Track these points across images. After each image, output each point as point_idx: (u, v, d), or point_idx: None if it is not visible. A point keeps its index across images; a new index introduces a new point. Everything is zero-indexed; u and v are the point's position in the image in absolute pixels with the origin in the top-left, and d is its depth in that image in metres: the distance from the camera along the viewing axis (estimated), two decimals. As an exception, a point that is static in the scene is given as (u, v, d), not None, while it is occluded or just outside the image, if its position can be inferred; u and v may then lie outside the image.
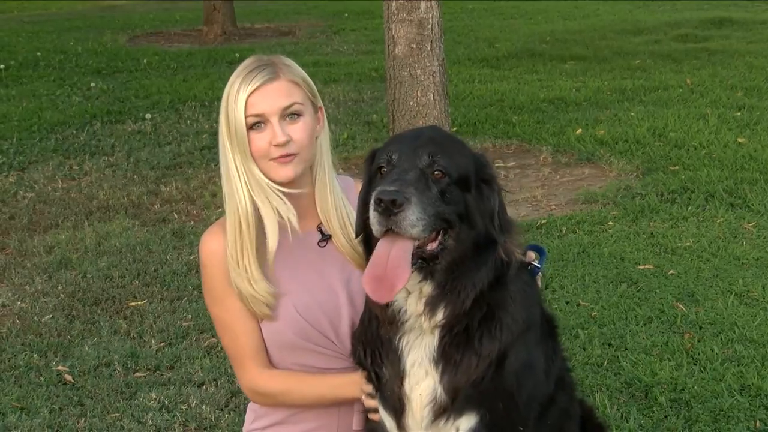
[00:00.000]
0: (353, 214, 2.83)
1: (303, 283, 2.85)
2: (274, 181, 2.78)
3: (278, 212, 2.76)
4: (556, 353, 2.71)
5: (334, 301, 2.86)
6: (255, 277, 2.77)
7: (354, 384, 2.76)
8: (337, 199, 2.89)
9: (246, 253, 2.77)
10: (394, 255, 2.32)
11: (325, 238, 2.91)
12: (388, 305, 2.45)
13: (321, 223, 2.91)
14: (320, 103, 2.91)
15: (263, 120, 2.74)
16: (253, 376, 2.89)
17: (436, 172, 2.40)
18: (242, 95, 2.72)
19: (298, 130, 2.77)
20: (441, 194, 2.37)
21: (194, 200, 7.91)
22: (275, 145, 2.73)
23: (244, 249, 2.77)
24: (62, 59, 15.91)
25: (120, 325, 5.47)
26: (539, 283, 2.77)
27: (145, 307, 5.71)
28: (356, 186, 3.00)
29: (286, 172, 2.76)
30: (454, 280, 2.41)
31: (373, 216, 2.28)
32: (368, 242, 2.51)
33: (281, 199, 2.77)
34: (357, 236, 2.58)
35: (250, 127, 2.74)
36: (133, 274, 6.24)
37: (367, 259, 2.47)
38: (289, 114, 2.77)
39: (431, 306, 2.42)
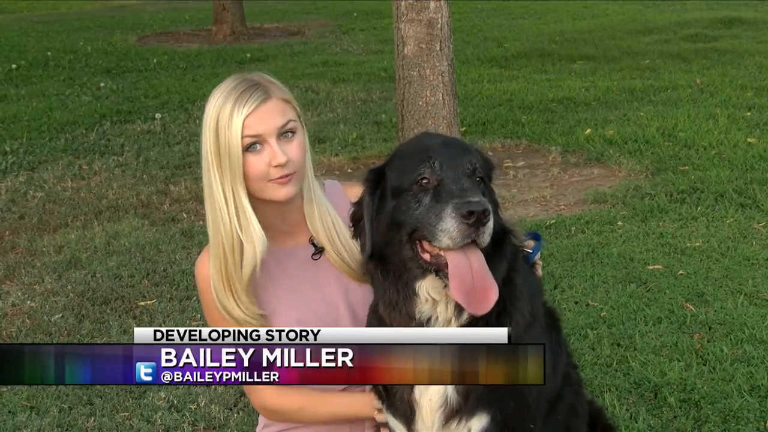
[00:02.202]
0: (339, 223, 2.83)
1: (301, 298, 2.84)
2: (273, 201, 2.74)
3: (256, 244, 2.72)
4: (561, 347, 2.70)
5: (334, 314, 2.84)
6: (244, 302, 2.74)
7: (367, 403, 2.75)
8: (323, 212, 2.85)
9: (235, 280, 2.74)
10: (476, 266, 2.33)
11: (319, 250, 2.88)
12: (413, 319, 2.44)
13: (312, 236, 2.88)
14: (303, 122, 2.84)
15: (260, 141, 2.68)
16: (262, 395, 2.85)
17: (477, 179, 2.44)
18: (237, 119, 2.65)
19: (294, 148, 2.73)
20: None
21: (203, 200, 7.88)
22: (275, 166, 2.68)
23: (233, 276, 2.73)
24: (72, 59, 15.96)
25: (129, 324, 5.48)
26: (539, 272, 2.78)
27: (154, 307, 5.72)
28: (345, 190, 2.99)
29: (287, 191, 2.72)
30: None
31: (456, 229, 2.27)
32: (383, 259, 2.48)
33: (256, 230, 2.73)
34: (370, 255, 2.51)
35: (246, 149, 2.68)
36: (142, 273, 6.26)
37: (381, 275, 2.48)
38: (285, 132, 2.72)
39: (459, 308, 2.42)
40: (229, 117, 2.66)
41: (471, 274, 2.32)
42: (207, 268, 2.80)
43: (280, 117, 2.70)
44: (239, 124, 2.65)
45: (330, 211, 2.87)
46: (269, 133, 2.68)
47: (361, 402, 2.78)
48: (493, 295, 2.33)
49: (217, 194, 2.73)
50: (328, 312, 2.84)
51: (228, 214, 2.72)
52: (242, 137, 2.66)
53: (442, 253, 2.35)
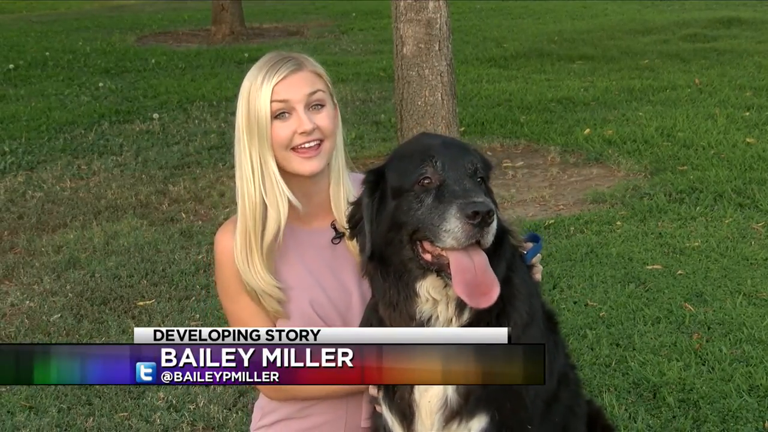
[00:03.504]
0: None
1: (317, 280, 2.85)
2: (297, 174, 2.77)
3: (279, 209, 2.76)
4: (558, 348, 2.70)
5: (346, 300, 2.86)
6: (260, 272, 2.77)
7: None
8: (349, 198, 2.87)
9: (254, 249, 2.77)
10: (478, 263, 2.33)
11: (339, 235, 2.90)
12: (413, 319, 2.44)
13: (335, 220, 2.91)
14: (336, 102, 2.92)
15: (287, 109, 2.75)
16: None
17: (478, 179, 2.44)
18: (267, 86, 2.73)
19: (322, 118, 2.79)
20: None
21: (202, 200, 7.92)
22: (300, 133, 2.74)
23: (253, 244, 2.77)
24: (71, 59, 15.96)
25: (128, 324, 5.48)
26: (538, 276, 2.77)
27: (153, 307, 5.72)
28: None
29: (312, 165, 2.77)
30: None
31: (461, 230, 2.27)
32: (383, 260, 2.47)
33: (286, 197, 2.77)
34: (370, 256, 2.50)
35: (275, 117, 2.74)
36: (141, 273, 6.26)
37: (381, 275, 2.47)
38: (314, 103, 2.78)
39: (460, 308, 2.42)
40: (260, 85, 2.74)
41: (474, 269, 2.32)
42: (227, 239, 2.83)
43: (308, 86, 2.78)
44: (269, 91, 2.73)
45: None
46: (297, 100, 2.75)
47: None
48: (495, 289, 2.33)
49: (245, 161, 2.78)
50: (341, 297, 2.86)
51: (254, 179, 2.77)
52: (270, 102, 2.73)
53: (444, 253, 2.34)
